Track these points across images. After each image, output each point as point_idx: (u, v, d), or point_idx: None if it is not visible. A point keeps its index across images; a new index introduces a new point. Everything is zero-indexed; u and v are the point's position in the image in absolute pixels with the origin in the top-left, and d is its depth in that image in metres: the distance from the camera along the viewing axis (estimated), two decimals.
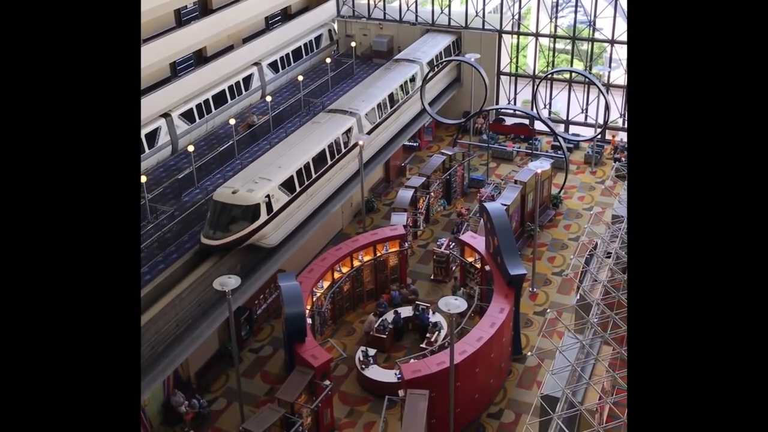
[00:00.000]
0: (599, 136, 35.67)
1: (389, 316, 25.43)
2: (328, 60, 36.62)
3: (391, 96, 32.20)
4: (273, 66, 35.81)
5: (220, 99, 32.24)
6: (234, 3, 33.25)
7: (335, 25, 40.84)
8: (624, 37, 34.88)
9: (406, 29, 39.54)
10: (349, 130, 28.85)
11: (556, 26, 38.09)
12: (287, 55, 36.87)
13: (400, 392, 20.65)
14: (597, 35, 37.10)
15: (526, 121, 38.70)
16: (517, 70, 39.39)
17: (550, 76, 36.38)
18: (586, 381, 18.22)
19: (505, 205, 27.16)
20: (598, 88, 33.46)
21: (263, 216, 23.81)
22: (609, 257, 21.61)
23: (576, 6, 36.67)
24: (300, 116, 32.78)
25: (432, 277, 28.49)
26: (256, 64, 34.64)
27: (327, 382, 21.36)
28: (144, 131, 28.00)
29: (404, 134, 34.17)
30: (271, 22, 37.61)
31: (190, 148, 27.54)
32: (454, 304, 17.79)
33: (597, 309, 19.65)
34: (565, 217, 32.04)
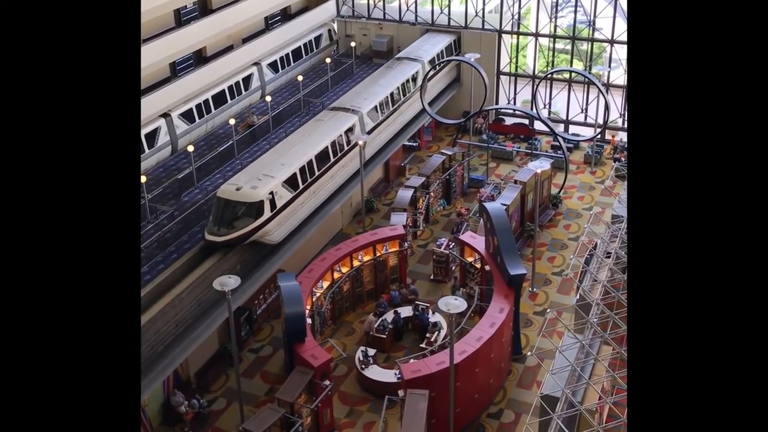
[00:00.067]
0: (599, 136, 35.68)
1: (389, 316, 25.42)
2: (328, 60, 36.63)
3: (392, 94, 32.32)
4: (273, 66, 35.81)
5: (219, 99, 32.24)
6: (234, 3, 33.25)
7: (335, 25, 40.85)
8: (623, 37, 34.89)
9: (405, 29, 39.54)
10: (351, 128, 28.94)
11: (555, 26, 38.08)
12: (287, 55, 36.88)
13: (400, 392, 20.64)
14: (597, 35, 37.11)
15: (526, 121, 38.71)
16: (516, 70, 39.39)
17: (549, 76, 36.38)
18: (586, 381, 18.22)
19: (504, 204, 27.15)
20: (598, 88, 33.46)
21: (267, 213, 23.95)
22: (609, 257, 21.62)
23: (576, 6, 36.67)
24: (300, 116, 32.78)
25: (432, 277, 28.49)
26: (255, 64, 34.65)
27: (327, 382, 21.36)
28: (144, 131, 28.00)
29: (404, 134, 34.18)
30: (271, 22, 37.61)
31: (190, 148, 27.55)
32: (454, 304, 17.78)
33: (597, 309, 19.65)
34: (565, 217, 32.04)
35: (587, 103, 37.84)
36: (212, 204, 24.46)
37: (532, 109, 35.38)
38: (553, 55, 38.59)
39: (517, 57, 39.26)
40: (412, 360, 22.23)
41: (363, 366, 23.54)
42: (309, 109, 33.24)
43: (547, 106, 38.66)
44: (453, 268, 28.28)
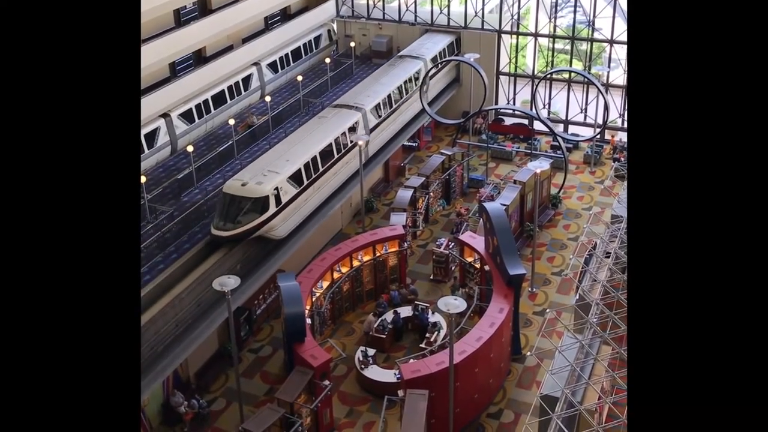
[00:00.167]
0: (598, 136, 35.69)
1: (389, 316, 25.42)
2: (328, 60, 36.63)
3: (396, 90, 32.50)
4: (272, 66, 35.81)
5: (219, 99, 32.24)
6: (233, 3, 33.24)
7: (334, 26, 40.85)
8: (623, 37, 34.90)
9: (405, 29, 39.55)
10: (354, 125, 29.04)
11: (555, 26, 38.08)
12: (286, 55, 36.89)
13: (400, 392, 20.64)
14: (596, 35, 37.11)
15: (526, 121, 38.70)
16: (516, 70, 39.40)
17: (549, 76, 36.39)
18: (586, 381, 18.23)
19: (504, 205, 27.16)
20: (597, 88, 33.48)
21: (272, 208, 24.15)
22: (608, 257, 21.62)
23: (575, 6, 36.68)
24: (299, 116, 32.79)
25: (431, 277, 28.49)
26: (255, 64, 34.64)
27: (326, 382, 21.36)
28: (143, 131, 28.00)
29: (404, 134, 34.20)
30: (271, 23, 37.61)
31: (190, 149, 27.55)
32: (454, 304, 17.78)
33: (596, 309, 19.66)
34: (565, 217, 32.05)
35: (587, 103, 37.85)
36: (218, 199, 24.66)
37: (531, 109, 35.40)
38: (553, 55, 38.60)
39: (516, 57, 39.26)
40: (411, 360, 22.23)
41: (363, 366, 23.54)
42: (308, 109, 33.25)
43: (547, 106, 38.66)
44: (452, 268, 28.28)
